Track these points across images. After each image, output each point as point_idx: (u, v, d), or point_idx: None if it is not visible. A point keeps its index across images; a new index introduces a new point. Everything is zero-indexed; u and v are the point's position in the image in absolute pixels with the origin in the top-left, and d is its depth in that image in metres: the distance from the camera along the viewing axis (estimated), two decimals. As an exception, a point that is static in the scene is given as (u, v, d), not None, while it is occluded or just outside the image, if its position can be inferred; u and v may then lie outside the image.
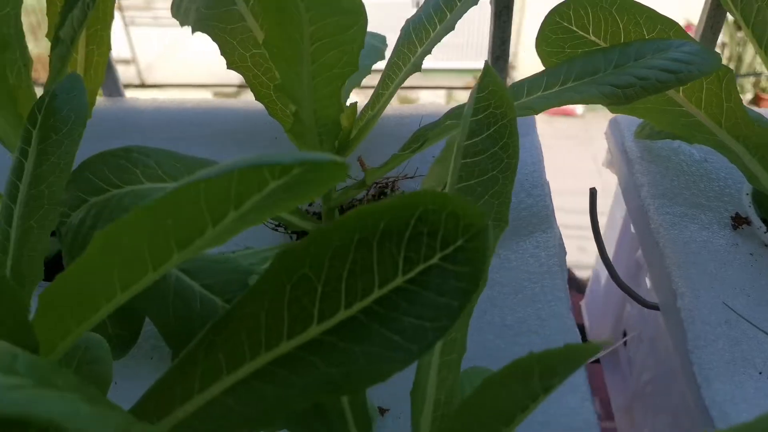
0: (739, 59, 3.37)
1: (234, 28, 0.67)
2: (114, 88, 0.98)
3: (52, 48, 0.62)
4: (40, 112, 0.53)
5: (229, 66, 0.69)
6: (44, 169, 0.50)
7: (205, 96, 4.86)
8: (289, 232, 0.77)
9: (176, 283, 0.62)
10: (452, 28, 0.66)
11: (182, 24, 0.74)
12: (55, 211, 0.50)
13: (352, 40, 0.53)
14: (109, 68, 0.94)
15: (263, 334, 0.40)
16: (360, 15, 0.51)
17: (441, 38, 0.67)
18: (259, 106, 0.91)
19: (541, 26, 0.69)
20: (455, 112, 0.67)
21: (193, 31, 0.71)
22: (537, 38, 0.70)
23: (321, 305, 0.39)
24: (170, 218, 0.35)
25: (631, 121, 0.88)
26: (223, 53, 0.69)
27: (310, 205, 0.81)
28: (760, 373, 0.61)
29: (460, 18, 0.66)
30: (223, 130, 0.88)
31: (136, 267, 0.37)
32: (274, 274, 0.39)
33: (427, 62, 0.70)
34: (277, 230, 0.76)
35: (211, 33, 0.69)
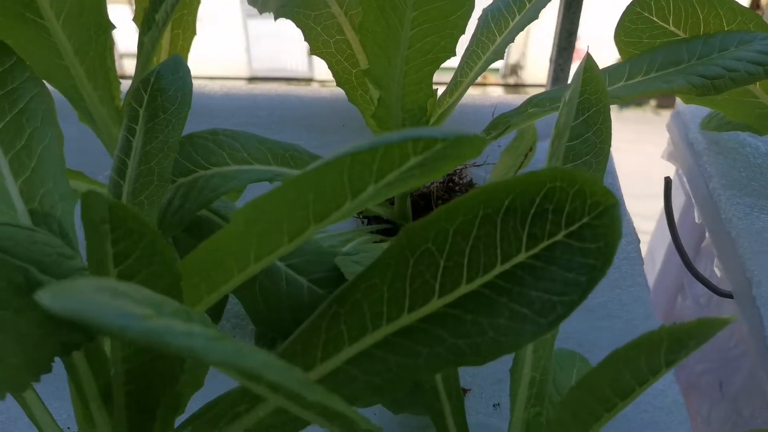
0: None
1: (318, 14, 0.69)
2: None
3: (144, 31, 0.64)
4: (146, 92, 0.54)
5: (313, 52, 0.71)
6: (153, 146, 0.52)
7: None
8: (361, 216, 0.78)
9: (286, 275, 0.64)
10: (535, 17, 0.67)
11: (261, 11, 0.75)
12: (163, 187, 0.52)
13: (453, 25, 0.54)
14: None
15: (385, 306, 0.41)
16: (466, 0, 0.52)
17: (524, 26, 0.68)
18: (324, 93, 0.93)
19: (621, 17, 0.70)
20: (535, 101, 0.68)
21: (276, 17, 0.72)
22: (616, 28, 0.71)
23: (442, 279, 0.40)
24: (312, 192, 0.37)
25: (694, 114, 0.88)
26: (306, 39, 0.70)
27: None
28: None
29: (543, 7, 0.66)
30: (291, 117, 0.90)
31: (273, 239, 0.38)
32: (398, 248, 0.40)
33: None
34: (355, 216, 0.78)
35: (294, 19, 0.70)
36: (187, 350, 0.23)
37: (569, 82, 0.73)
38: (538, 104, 0.67)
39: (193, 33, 0.71)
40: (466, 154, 0.37)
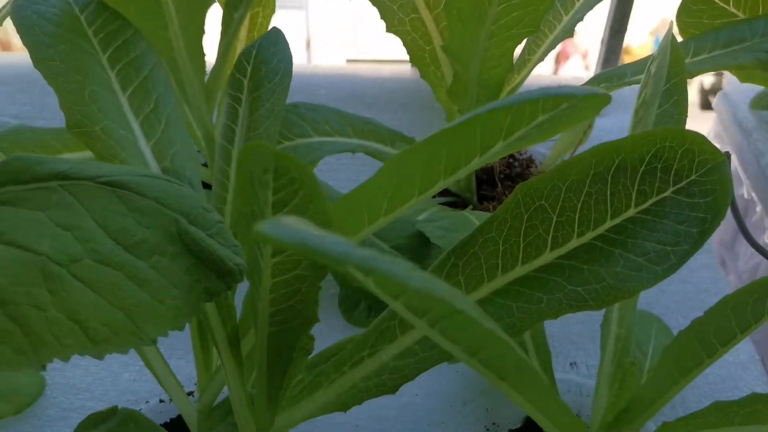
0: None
1: (394, -7, 0.71)
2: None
3: (231, 8, 0.66)
4: (249, 63, 0.57)
5: (388, 29, 0.73)
6: (260, 114, 0.55)
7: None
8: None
9: None
10: (602, -2, 0.70)
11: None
12: (271, 152, 0.55)
13: (540, 1, 0.57)
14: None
15: (500, 258, 0.44)
16: (556, -24, 0.55)
17: (592, 6, 0.70)
18: (385, 72, 0.96)
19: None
20: (602, 77, 0.71)
21: (351, -4, 0.75)
22: (678, 9, 0.74)
23: (554, 233, 0.43)
24: (446, 148, 0.40)
25: (742, 94, 0.91)
26: (383, 17, 0.73)
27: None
28: None
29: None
30: (351, 96, 0.92)
31: (405, 191, 0.41)
32: (513, 204, 0.44)
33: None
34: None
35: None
36: (392, 277, 0.25)
37: (621, 62, 0.77)
38: (606, 80, 0.70)
39: (272, 11, 0.74)
40: (588, 113, 0.40)
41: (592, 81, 0.71)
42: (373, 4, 0.73)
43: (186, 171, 0.48)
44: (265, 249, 0.39)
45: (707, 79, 4.02)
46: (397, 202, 0.42)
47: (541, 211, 0.43)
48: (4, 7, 0.80)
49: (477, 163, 0.41)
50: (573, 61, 4.24)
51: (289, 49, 0.58)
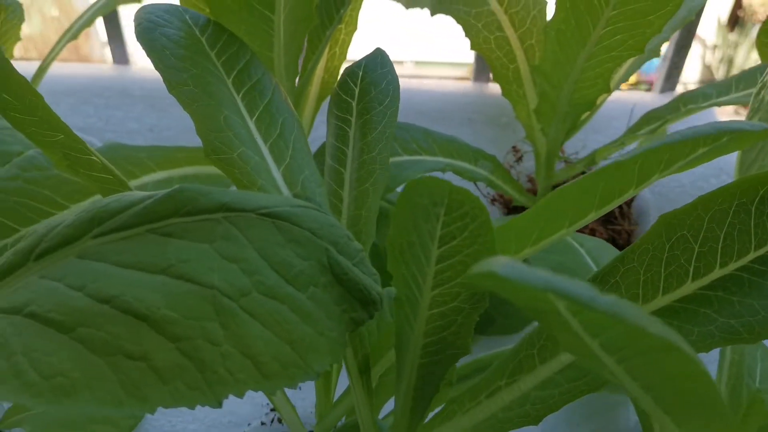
0: (730, 62, 3.39)
1: (479, 12, 0.71)
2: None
3: (324, 25, 0.66)
4: (355, 84, 0.57)
5: (473, 47, 0.73)
6: (373, 137, 0.54)
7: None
8: (502, 207, 0.81)
9: None
10: (691, 16, 0.70)
11: (408, 6, 0.78)
12: (384, 175, 0.54)
13: (649, 24, 0.57)
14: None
15: (641, 288, 0.44)
16: (671, 1, 0.55)
17: (677, 28, 0.70)
18: (450, 87, 0.95)
19: (764, 22, 0.72)
20: (687, 97, 0.71)
21: (433, 13, 0.75)
22: (759, 31, 0.73)
23: (696, 263, 0.43)
24: (603, 180, 0.39)
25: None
26: (467, 35, 0.73)
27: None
28: None
29: (702, 5, 0.69)
30: (418, 110, 0.92)
31: (556, 223, 0.41)
32: (655, 234, 0.43)
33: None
34: (494, 204, 0.81)
35: (455, 16, 0.73)
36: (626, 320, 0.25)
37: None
38: (691, 101, 0.70)
39: (355, 27, 0.74)
40: (744, 144, 0.40)
41: (677, 101, 0.71)
42: (458, 22, 0.73)
43: (317, 197, 0.48)
44: (424, 281, 0.39)
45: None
46: (546, 232, 0.42)
47: (683, 241, 0.43)
48: (80, 18, 0.79)
49: (631, 194, 0.41)
50: None
51: (394, 70, 0.58)
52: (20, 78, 0.43)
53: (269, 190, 0.46)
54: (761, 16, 3.50)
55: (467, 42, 0.74)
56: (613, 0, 0.56)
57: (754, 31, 3.50)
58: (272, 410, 0.64)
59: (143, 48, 0.47)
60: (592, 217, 0.41)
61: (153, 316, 0.33)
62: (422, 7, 0.76)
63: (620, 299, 0.25)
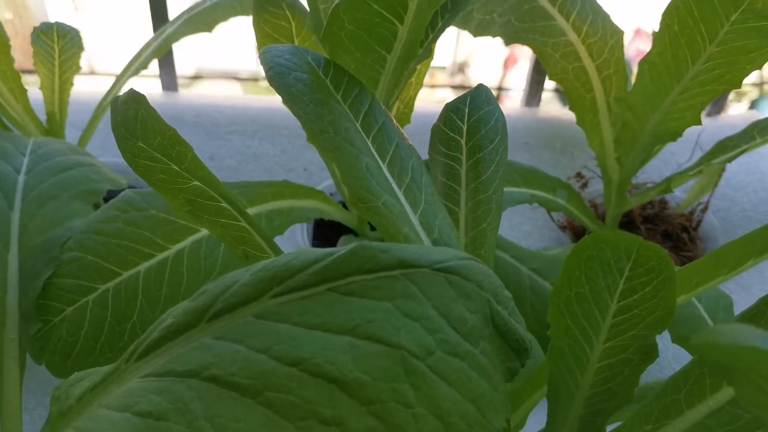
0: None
1: (556, 42, 0.72)
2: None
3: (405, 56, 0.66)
4: (462, 121, 0.57)
5: (551, 77, 0.73)
6: (488, 176, 0.54)
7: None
8: (571, 233, 0.81)
9: (530, 281, 0.67)
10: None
11: (476, 35, 0.78)
12: (499, 214, 0.54)
13: (750, 61, 0.57)
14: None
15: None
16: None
17: None
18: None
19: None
20: (761, 126, 0.72)
21: (507, 43, 0.75)
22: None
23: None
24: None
25: None
26: (545, 65, 0.73)
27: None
28: None
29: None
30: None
31: (715, 271, 0.42)
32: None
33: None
34: (564, 231, 0.81)
35: (532, 45, 0.73)
36: None
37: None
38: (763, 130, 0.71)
39: (432, 58, 0.73)
40: None
41: (751, 129, 0.72)
42: (535, 51, 0.73)
43: (452, 243, 0.48)
44: (596, 334, 0.39)
45: None
46: (706, 279, 0.42)
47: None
48: (148, 47, 0.78)
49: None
50: (521, 64, 4.18)
51: (499, 107, 0.58)
52: (171, 130, 0.43)
53: (413, 237, 0.45)
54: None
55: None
56: (718, 38, 0.56)
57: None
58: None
59: (279, 93, 0.47)
60: (751, 263, 0.42)
61: (344, 378, 0.33)
62: (494, 36, 0.76)
63: None
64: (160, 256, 0.57)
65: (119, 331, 0.55)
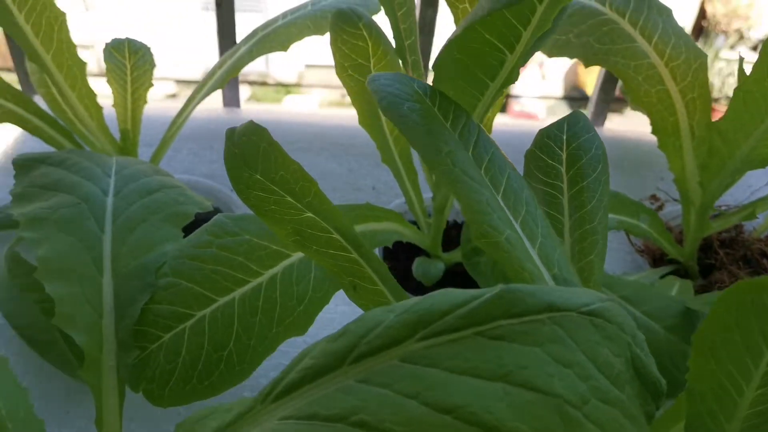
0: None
1: (638, 64, 0.71)
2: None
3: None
4: (560, 149, 0.56)
5: (633, 101, 0.73)
6: (593, 206, 0.53)
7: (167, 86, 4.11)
8: (649, 258, 0.80)
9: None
10: None
11: (551, 55, 0.77)
12: (605, 244, 0.53)
13: None
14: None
15: None
16: None
17: None
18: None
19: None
20: None
21: (587, 65, 0.74)
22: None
23: None
24: None
25: None
26: (627, 89, 0.72)
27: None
28: None
29: None
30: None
31: None
32: None
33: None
34: (642, 255, 0.80)
35: (613, 68, 0.72)
36: None
37: None
38: None
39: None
40: None
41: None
42: (617, 74, 0.72)
43: (573, 278, 0.47)
44: (747, 381, 0.38)
45: None
46: None
47: None
48: (222, 66, 0.78)
49: None
50: (529, 70, 4.14)
51: (598, 135, 0.57)
52: (295, 164, 0.42)
53: (535, 273, 0.44)
54: (725, 27, 3.55)
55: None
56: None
57: (718, 42, 3.54)
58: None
59: (395, 124, 0.46)
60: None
61: (502, 428, 0.32)
62: (571, 57, 0.75)
63: None
64: (254, 282, 0.57)
65: (216, 359, 0.54)
